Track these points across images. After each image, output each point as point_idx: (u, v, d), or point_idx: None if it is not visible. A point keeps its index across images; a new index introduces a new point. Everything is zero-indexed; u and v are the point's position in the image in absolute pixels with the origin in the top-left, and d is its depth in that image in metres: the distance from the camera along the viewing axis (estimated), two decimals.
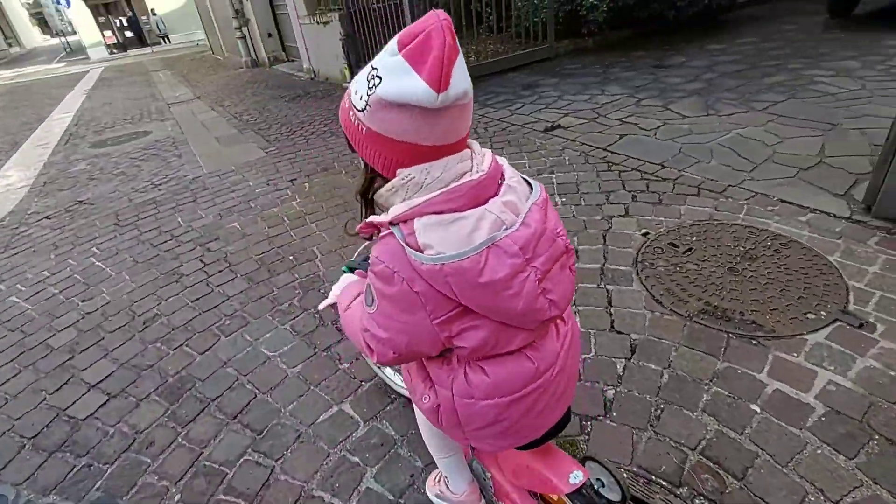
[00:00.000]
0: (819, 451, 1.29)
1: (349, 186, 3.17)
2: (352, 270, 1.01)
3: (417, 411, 1.05)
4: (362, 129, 0.66)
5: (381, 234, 0.69)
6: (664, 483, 1.27)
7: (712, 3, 6.40)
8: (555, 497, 0.95)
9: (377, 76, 0.61)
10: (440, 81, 0.58)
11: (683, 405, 1.46)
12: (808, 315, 1.71)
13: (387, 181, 0.69)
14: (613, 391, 1.55)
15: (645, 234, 2.28)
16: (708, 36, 6.01)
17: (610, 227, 2.36)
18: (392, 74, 0.60)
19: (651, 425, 1.42)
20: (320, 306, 1.06)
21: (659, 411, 1.46)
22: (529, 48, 6.07)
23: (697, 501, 1.22)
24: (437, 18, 0.58)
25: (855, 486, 1.20)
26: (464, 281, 0.64)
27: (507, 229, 0.65)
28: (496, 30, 6.17)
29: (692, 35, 6.16)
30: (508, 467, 1.03)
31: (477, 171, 0.67)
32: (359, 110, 0.65)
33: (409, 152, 0.65)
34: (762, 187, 2.47)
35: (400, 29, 0.66)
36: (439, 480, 1.18)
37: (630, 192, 2.65)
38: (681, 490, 1.25)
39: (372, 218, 0.70)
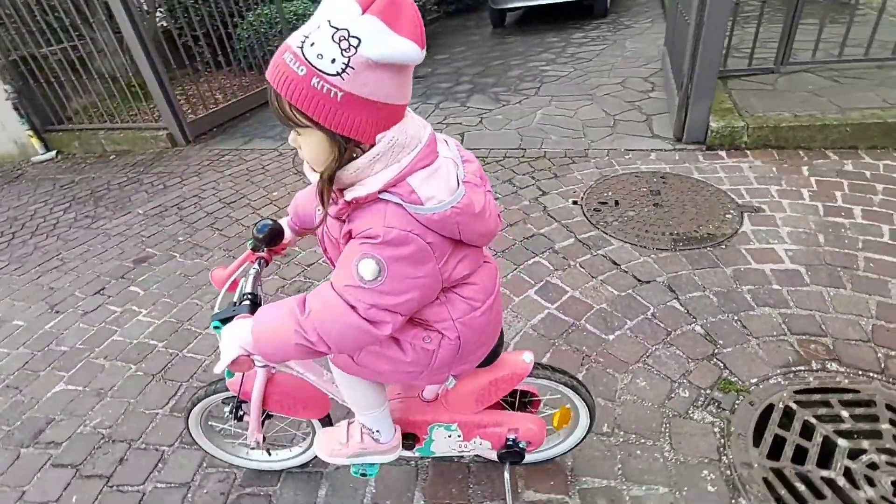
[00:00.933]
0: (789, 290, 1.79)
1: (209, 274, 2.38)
2: (225, 321, 0.89)
3: (348, 380, 1.05)
4: (335, 94, 0.63)
5: (347, 209, 0.74)
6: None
7: None
8: (521, 391, 1.21)
9: (352, 36, 0.59)
10: (422, 39, 0.62)
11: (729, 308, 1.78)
12: (727, 216, 2.28)
13: (351, 155, 0.70)
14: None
15: (575, 203, 2.55)
16: None
17: (546, 207, 2.55)
18: (374, 34, 0.59)
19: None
20: (217, 369, 0.84)
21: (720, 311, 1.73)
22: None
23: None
24: None
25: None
26: (468, 217, 0.74)
27: (459, 167, 0.77)
28: (217, 64, 5.28)
29: None
30: (470, 402, 1.13)
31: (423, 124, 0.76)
32: (331, 75, 0.61)
33: (390, 114, 0.68)
34: (607, 144, 3.09)
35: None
36: (362, 439, 1.15)
37: (525, 174, 2.89)
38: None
39: (355, 192, 0.70)
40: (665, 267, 2.02)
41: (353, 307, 0.74)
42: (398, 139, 0.69)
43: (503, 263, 2.17)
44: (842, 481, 1.22)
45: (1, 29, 4.24)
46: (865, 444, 1.28)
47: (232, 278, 1.04)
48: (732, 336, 1.67)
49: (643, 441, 1.39)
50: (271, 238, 1.00)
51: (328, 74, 0.61)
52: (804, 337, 1.63)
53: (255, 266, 1.03)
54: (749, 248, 2.05)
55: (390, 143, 0.69)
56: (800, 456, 1.29)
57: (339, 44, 0.60)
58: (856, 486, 1.20)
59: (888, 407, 1.37)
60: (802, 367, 1.53)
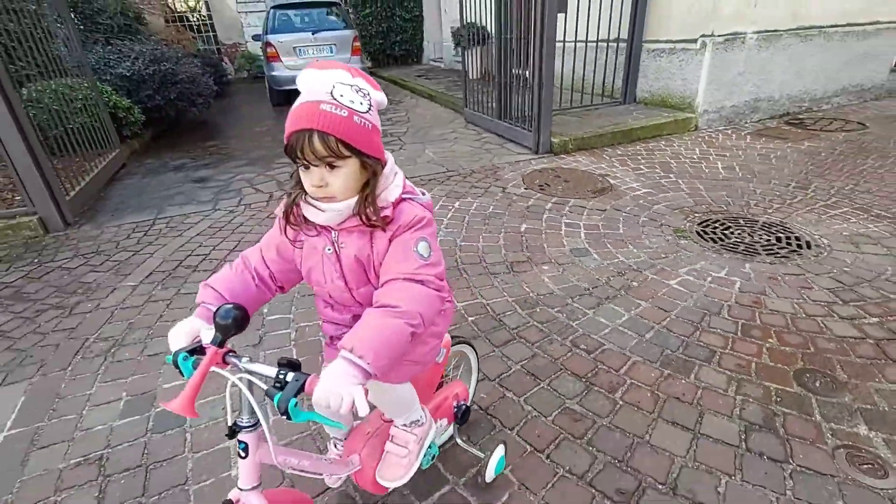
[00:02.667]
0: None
1: None
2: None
3: (393, 391, 1.15)
4: (368, 125, 0.87)
5: (381, 212, 0.93)
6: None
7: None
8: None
9: (361, 89, 0.89)
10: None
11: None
12: (600, 180, 4.11)
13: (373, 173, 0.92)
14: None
15: (527, 187, 3.93)
16: (202, 131, 7.08)
17: (504, 189, 3.83)
18: (369, 89, 0.91)
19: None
20: (363, 411, 0.78)
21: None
22: (102, 159, 4.86)
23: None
24: (342, 63, 0.92)
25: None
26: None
27: None
28: None
29: (195, 132, 7.01)
30: (428, 392, 1.36)
31: None
32: (364, 112, 0.86)
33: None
34: (499, 161, 4.61)
35: None
36: (415, 433, 1.25)
37: (471, 184, 4.09)
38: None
39: (392, 196, 0.95)
40: (587, 204, 3.63)
41: (425, 282, 0.91)
42: (389, 158, 0.96)
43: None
44: None
45: None
46: None
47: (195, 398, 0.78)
48: (630, 221, 3.36)
49: None
50: (240, 323, 0.85)
51: (362, 112, 0.85)
52: (684, 208, 3.46)
53: (243, 361, 0.87)
54: (620, 190, 3.87)
55: (391, 164, 0.96)
56: None
57: (358, 93, 0.87)
58: None
59: None
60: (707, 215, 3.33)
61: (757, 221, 3.14)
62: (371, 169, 0.90)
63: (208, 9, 13.43)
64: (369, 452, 1.23)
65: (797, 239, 2.89)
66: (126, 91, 5.74)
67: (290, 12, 8.60)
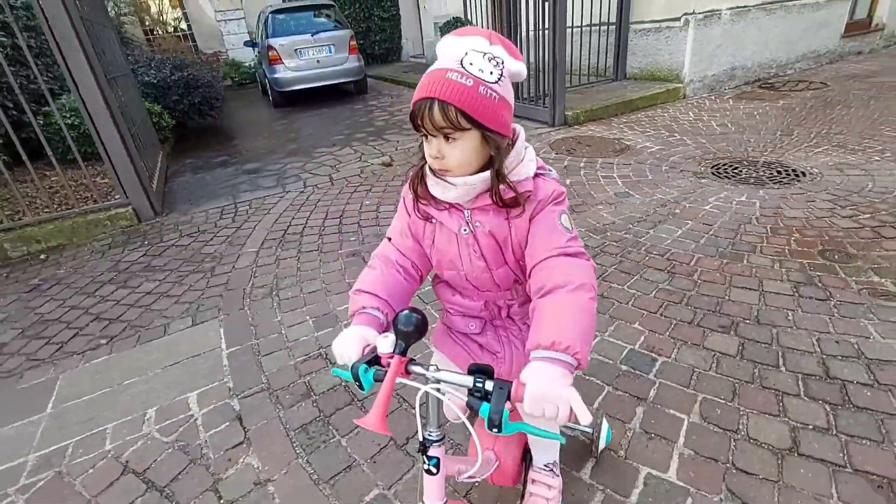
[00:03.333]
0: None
1: None
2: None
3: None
4: (494, 97, 0.81)
5: (520, 187, 0.88)
6: None
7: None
8: None
9: (495, 57, 0.82)
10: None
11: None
12: (616, 144, 4.73)
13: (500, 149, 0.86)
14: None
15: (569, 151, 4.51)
16: (219, 134, 7.41)
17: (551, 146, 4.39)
18: (506, 57, 0.84)
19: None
20: (585, 420, 0.68)
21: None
22: (157, 159, 5.19)
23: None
24: (483, 29, 0.87)
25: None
26: None
27: None
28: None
29: (214, 135, 7.34)
30: None
31: None
32: (492, 83, 0.80)
33: (512, 113, 0.87)
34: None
35: None
36: (557, 481, 1.22)
37: None
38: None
39: (528, 171, 0.90)
40: (613, 161, 4.24)
41: (578, 255, 0.88)
42: (519, 132, 0.91)
43: None
44: None
45: None
46: None
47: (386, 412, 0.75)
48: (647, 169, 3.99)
49: None
50: (422, 328, 0.80)
51: (490, 83, 0.80)
52: (696, 157, 4.10)
53: (430, 370, 0.80)
54: (636, 149, 4.49)
55: (523, 137, 0.91)
56: None
57: (490, 62, 0.81)
58: None
59: None
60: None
61: (758, 162, 3.80)
62: (494, 144, 0.85)
63: (187, 19, 13.52)
64: (503, 447, 1.19)
65: (794, 171, 3.56)
66: (153, 97, 6.05)
67: (287, 16, 8.94)
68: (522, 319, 1.07)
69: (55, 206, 3.84)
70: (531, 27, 5.31)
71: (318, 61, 8.71)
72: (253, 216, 3.79)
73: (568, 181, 3.80)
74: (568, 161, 4.24)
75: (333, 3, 9.49)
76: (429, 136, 0.85)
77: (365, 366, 0.80)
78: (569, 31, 6.04)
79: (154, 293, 2.81)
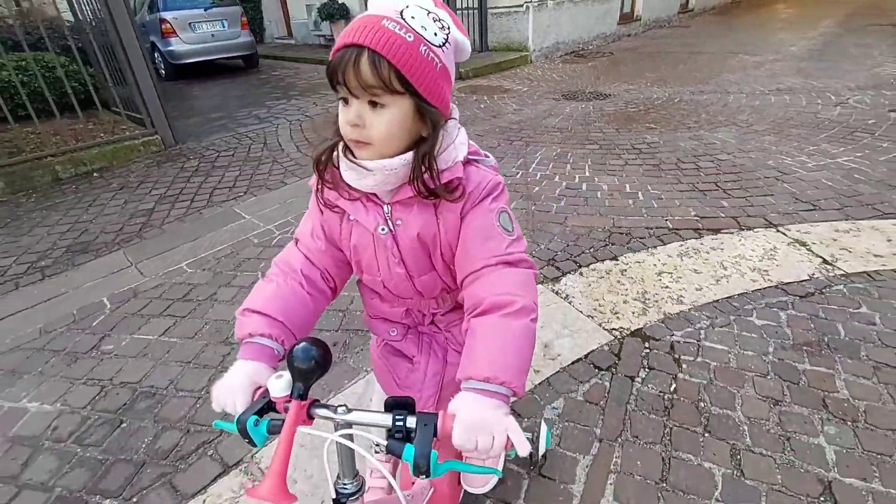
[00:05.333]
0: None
1: None
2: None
3: None
4: (437, 64, 0.66)
5: (445, 176, 0.72)
6: None
7: None
8: None
9: (440, 20, 0.68)
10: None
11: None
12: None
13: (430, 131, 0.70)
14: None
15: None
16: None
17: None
18: (452, 26, 0.70)
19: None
20: (523, 452, 0.61)
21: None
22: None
23: None
24: None
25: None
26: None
27: None
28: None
29: None
30: None
31: None
32: (436, 46, 0.66)
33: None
34: None
35: None
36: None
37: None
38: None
39: (459, 156, 0.74)
40: (503, 96, 6.43)
41: (519, 263, 0.74)
42: (454, 110, 0.76)
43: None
44: None
45: None
46: None
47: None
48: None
49: None
50: (324, 362, 0.64)
51: (434, 45, 0.65)
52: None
53: (339, 411, 0.65)
54: (514, 90, 6.73)
55: (457, 117, 0.76)
56: None
57: (435, 23, 0.66)
58: None
59: None
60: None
61: (585, 91, 6.29)
62: (430, 120, 0.69)
63: None
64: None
65: (604, 94, 6.09)
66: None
67: None
68: (447, 326, 0.95)
69: (97, 136, 4.58)
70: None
71: (212, 35, 9.31)
72: (266, 136, 5.01)
73: (482, 105, 5.81)
74: (475, 97, 6.26)
75: None
76: (349, 99, 0.67)
77: (255, 417, 0.64)
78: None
79: (208, 188, 4.05)
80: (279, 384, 0.64)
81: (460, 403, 0.64)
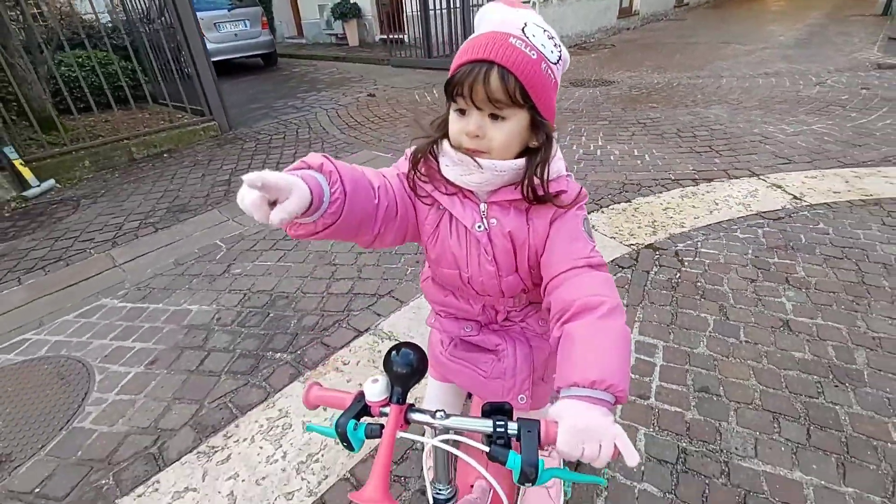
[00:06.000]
0: None
1: None
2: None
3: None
4: (553, 80, 0.71)
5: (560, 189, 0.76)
6: None
7: None
8: None
9: (554, 38, 0.71)
10: None
11: None
12: None
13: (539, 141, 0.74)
14: None
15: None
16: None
17: None
18: (562, 46, 0.73)
19: None
20: (633, 461, 0.57)
21: None
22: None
23: None
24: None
25: None
26: None
27: None
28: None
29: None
30: None
31: None
32: (553, 62, 0.70)
33: None
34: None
35: None
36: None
37: None
38: None
39: (561, 170, 0.79)
40: None
41: (603, 266, 0.76)
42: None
43: None
44: None
45: None
46: None
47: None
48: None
49: None
50: (423, 367, 0.67)
51: (552, 62, 0.70)
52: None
53: (438, 416, 0.65)
54: None
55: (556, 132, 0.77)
56: None
57: (550, 40, 0.70)
58: None
59: None
60: None
61: (591, 79, 6.89)
62: (545, 132, 0.73)
63: None
64: (494, 470, 0.90)
65: (609, 80, 6.69)
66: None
67: None
68: (522, 318, 0.95)
69: (158, 124, 5.18)
70: (436, 6, 7.77)
71: (235, 34, 9.89)
72: (309, 122, 5.61)
73: None
74: None
75: None
76: (467, 111, 0.70)
77: (354, 421, 0.65)
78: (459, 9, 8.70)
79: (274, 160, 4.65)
80: (376, 388, 0.65)
81: (564, 410, 0.60)
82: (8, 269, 3.04)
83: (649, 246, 2.55)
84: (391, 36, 9.78)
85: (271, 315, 2.34)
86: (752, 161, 3.48)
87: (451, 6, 7.81)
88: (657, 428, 1.56)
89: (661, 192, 3.14)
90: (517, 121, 0.71)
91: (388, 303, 2.33)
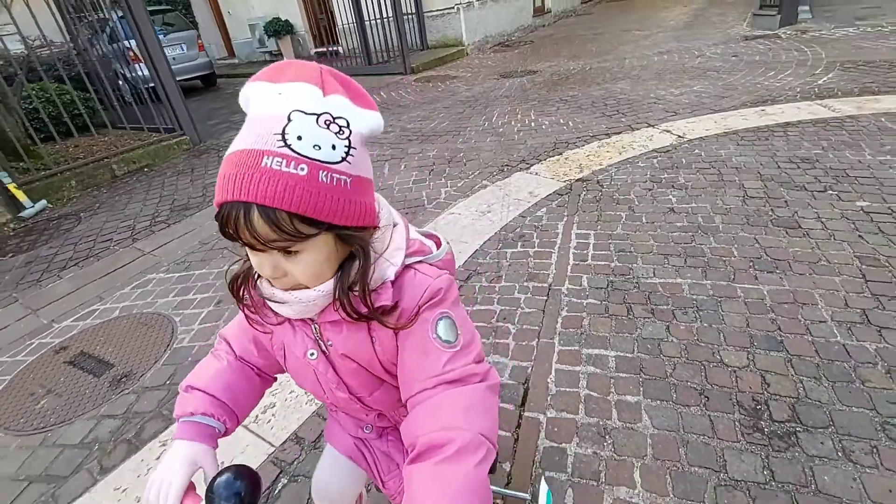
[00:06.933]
0: None
1: None
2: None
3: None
4: (345, 183, 0.55)
5: (376, 300, 0.63)
6: None
7: None
8: None
9: (334, 120, 0.55)
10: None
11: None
12: None
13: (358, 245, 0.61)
14: None
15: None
16: None
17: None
18: (349, 112, 0.56)
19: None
20: None
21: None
22: None
23: None
24: (307, 63, 0.58)
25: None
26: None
27: None
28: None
29: None
30: None
31: None
32: (336, 163, 0.54)
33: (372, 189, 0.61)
34: (382, 82, 8.36)
35: None
36: None
37: None
38: None
39: (387, 275, 0.64)
40: (453, 83, 7.88)
41: (464, 380, 0.62)
42: (384, 211, 0.65)
43: None
44: None
45: None
46: None
47: None
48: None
49: None
50: (253, 495, 0.58)
51: (333, 164, 0.54)
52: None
53: None
54: (459, 76, 8.20)
55: (385, 221, 0.65)
56: None
57: (328, 128, 0.54)
58: None
59: None
60: None
61: (518, 70, 7.85)
62: (359, 244, 0.61)
63: None
64: None
65: (532, 70, 7.67)
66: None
67: None
68: None
69: (138, 140, 5.58)
70: (369, 17, 8.51)
71: (173, 59, 10.09)
72: None
73: (439, 89, 7.21)
74: (431, 84, 7.67)
75: (171, 7, 10.81)
76: (255, 250, 0.57)
77: None
78: (393, 19, 9.46)
79: None
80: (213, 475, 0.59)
81: None
82: (41, 271, 3.45)
83: (578, 180, 3.40)
84: (328, 48, 10.38)
85: None
86: (649, 117, 4.46)
87: (384, 16, 8.57)
88: (594, 273, 2.38)
89: (583, 146, 4.03)
90: (316, 248, 0.58)
91: None
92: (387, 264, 0.64)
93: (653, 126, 4.22)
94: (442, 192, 3.62)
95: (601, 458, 1.51)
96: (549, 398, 1.74)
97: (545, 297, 2.27)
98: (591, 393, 1.74)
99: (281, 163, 0.51)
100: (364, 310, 0.62)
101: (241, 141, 0.55)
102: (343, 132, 0.55)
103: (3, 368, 2.44)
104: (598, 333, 2.01)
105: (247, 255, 0.62)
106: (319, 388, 0.75)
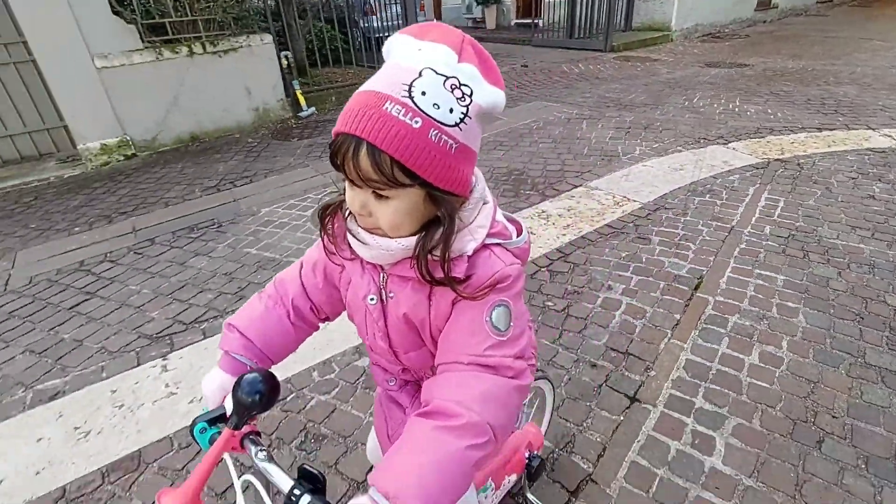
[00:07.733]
0: None
1: None
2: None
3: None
4: (451, 147, 0.58)
5: (451, 269, 0.63)
6: None
7: None
8: None
9: (462, 85, 0.57)
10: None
11: None
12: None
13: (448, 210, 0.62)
14: None
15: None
16: None
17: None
18: (478, 83, 0.59)
19: None
20: None
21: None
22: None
23: None
24: (453, 29, 0.60)
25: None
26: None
27: None
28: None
29: None
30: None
31: None
32: (449, 126, 0.57)
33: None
34: (585, 55, 8.74)
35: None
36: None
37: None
38: None
39: (466, 248, 0.65)
40: (655, 64, 7.95)
41: (498, 369, 0.64)
42: (479, 180, 0.67)
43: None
44: None
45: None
46: None
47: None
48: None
49: None
50: (267, 400, 0.63)
51: (447, 125, 0.56)
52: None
53: (258, 456, 0.64)
54: (662, 59, 8.24)
55: (478, 193, 0.66)
56: None
57: (452, 92, 0.56)
58: None
59: None
60: None
61: (726, 62, 7.65)
62: (446, 209, 0.62)
63: None
64: None
65: (743, 64, 7.41)
66: None
67: None
68: None
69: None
70: None
71: (398, 16, 11.64)
72: None
73: (638, 68, 7.42)
74: (630, 63, 7.90)
75: None
76: (353, 184, 0.61)
77: (204, 424, 0.69)
78: None
79: None
80: (228, 403, 0.69)
81: None
82: (320, 152, 4.77)
83: (777, 160, 3.62)
84: (534, 20, 11.01)
85: None
86: (870, 121, 4.33)
87: None
88: (777, 226, 2.73)
89: (789, 134, 4.14)
90: (406, 199, 0.60)
91: None
92: (468, 238, 0.65)
93: (873, 129, 4.12)
94: (637, 149, 4.10)
95: (757, 329, 2.01)
96: (719, 290, 2.25)
97: (726, 234, 2.71)
98: (757, 295, 2.21)
99: (400, 111, 0.54)
100: (439, 275, 0.63)
101: (373, 83, 0.58)
102: (465, 99, 0.57)
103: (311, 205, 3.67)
104: (772, 263, 2.42)
105: (345, 189, 0.65)
106: (365, 330, 0.80)
